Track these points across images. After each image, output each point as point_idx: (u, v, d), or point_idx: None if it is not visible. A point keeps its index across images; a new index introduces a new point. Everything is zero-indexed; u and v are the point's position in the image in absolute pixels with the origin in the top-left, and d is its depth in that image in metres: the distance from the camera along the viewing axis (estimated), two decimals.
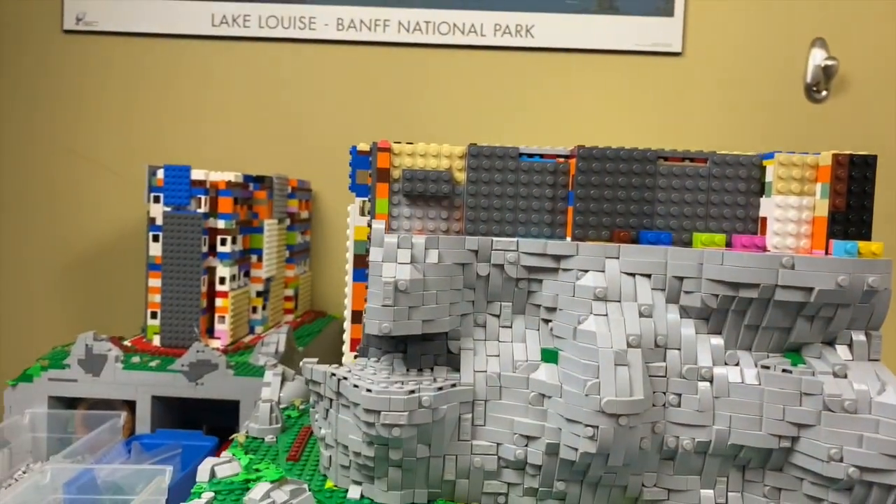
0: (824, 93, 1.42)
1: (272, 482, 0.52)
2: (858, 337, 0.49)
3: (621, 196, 0.54)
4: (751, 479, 0.50)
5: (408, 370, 0.53)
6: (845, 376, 0.47)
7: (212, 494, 0.53)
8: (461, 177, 0.56)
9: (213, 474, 0.57)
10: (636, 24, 1.42)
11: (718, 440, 0.49)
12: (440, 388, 0.50)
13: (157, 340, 1.08)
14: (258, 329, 1.19)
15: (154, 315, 1.09)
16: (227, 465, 0.57)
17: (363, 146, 0.58)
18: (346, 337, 0.62)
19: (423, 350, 0.54)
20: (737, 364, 0.50)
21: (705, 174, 0.53)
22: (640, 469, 0.50)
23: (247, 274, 1.19)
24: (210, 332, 1.11)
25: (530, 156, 0.56)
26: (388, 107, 1.42)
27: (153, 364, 0.97)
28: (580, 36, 1.43)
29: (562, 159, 0.55)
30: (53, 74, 1.41)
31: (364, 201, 0.59)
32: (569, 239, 0.54)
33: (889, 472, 0.44)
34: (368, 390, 0.49)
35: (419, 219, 0.56)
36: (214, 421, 1.01)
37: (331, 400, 0.54)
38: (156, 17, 1.43)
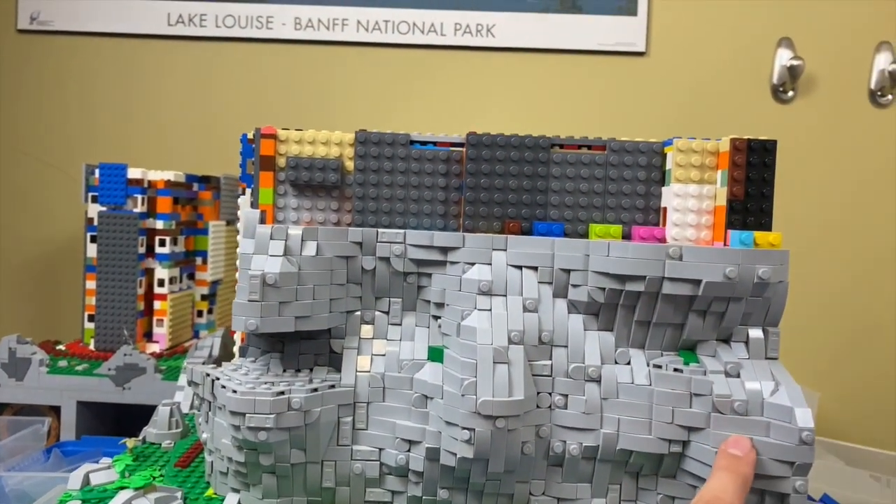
0: (791, 93, 1.39)
1: (136, 489, 0.49)
2: (755, 333, 0.45)
3: (513, 185, 0.50)
4: (644, 487, 0.47)
5: (284, 370, 0.50)
6: (738, 375, 0.44)
7: (78, 503, 0.50)
8: (352, 165, 0.53)
9: (86, 481, 0.53)
10: (599, 24, 1.40)
11: (606, 445, 0.45)
12: (314, 389, 0.47)
13: (93, 344, 1.05)
14: (203, 333, 1.15)
15: (91, 318, 1.06)
16: (102, 472, 0.54)
17: (252, 135, 0.55)
18: (237, 337, 0.59)
19: (302, 349, 0.51)
20: (627, 363, 0.46)
21: (602, 162, 0.50)
22: (526, 476, 0.47)
23: (191, 276, 1.16)
24: (148, 335, 1.07)
25: (423, 143, 0.53)
26: (351, 108, 1.39)
27: (80, 368, 0.94)
28: (542, 35, 1.41)
29: (456, 147, 0.52)
30: (6, 74, 1.39)
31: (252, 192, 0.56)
32: (461, 231, 0.51)
33: (781, 479, 0.41)
34: (234, 391, 0.46)
35: (307, 209, 0.53)
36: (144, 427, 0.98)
37: (209, 402, 0.51)
38: (111, 16, 1.41)
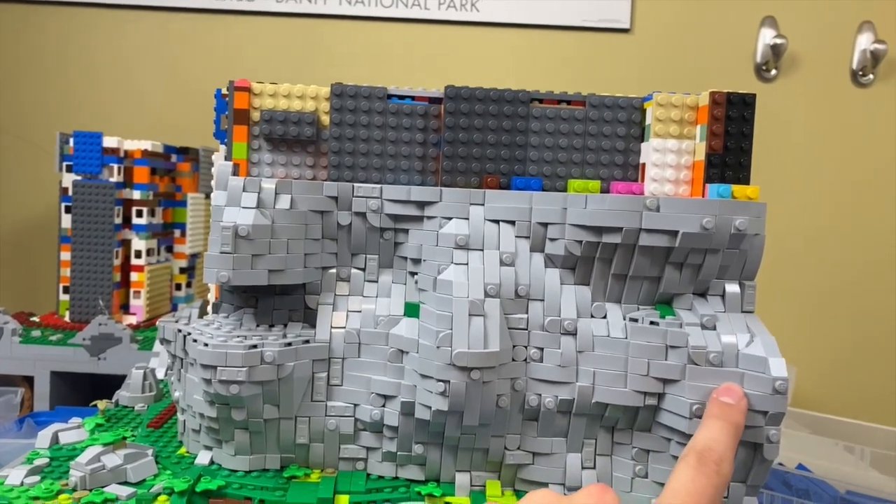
0: (774, 72, 1.40)
1: (105, 445, 0.48)
2: (731, 287, 0.45)
3: (491, 140, 0.50)
4: (619, 442, 0.46)
5: (258, 325, 0.49)
6: (714, 328, 0.44)
7: (46, 460, 0.49)
8: (328, 120, 0.52)
9: (55, 440, 0.52)
10: (584, 1, 1.39)
11: (581, 398, 0.45)
12: (288, 344, 0.46)
13: (68, 316, 1.03)
14: (181, 307, 1.14)
15: (66, 290, 1.04)
16: (72, 432, 0.53)
17: (227, 90, 0.54)
18: (211, 297, 0.58)
19: (276, 305, 0.50)
20: (604, 317, 0.46)
21: (582, 117, 0.50)
22: (501, 430, 0.46)
23: (169, 249, 1.14)
24: (125, 307, 1.06)
25: (400, 97, 0.52)
26: (330, 82, 1.37)
27: (53, 338, 0.92)
28: (526, 11, 1.39)
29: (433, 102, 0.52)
30: None
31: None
32: (438, 186, 0.51)
33: (755, 429, 0.41)
34: (206, 345, 0.45)
35: (282, 165, 0.52)
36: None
37: (181, 360, 0.50)
38: None
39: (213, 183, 0.57)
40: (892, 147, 1.36)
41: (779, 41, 1.36)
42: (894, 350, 1.34)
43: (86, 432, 0.54)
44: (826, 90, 1.38)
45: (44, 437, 0.52)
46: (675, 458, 0.44)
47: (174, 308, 1.15)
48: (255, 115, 0.52)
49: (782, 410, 0.40)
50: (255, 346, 0.45)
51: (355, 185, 0.50)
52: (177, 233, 1.15)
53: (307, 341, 0.48)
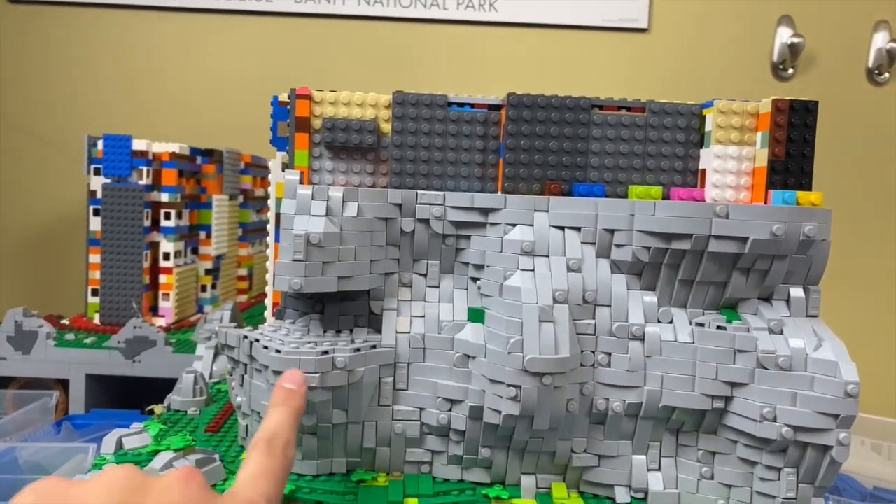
0: (791, 70, 1.40)
1: (176, 451, 0.48)
2: (796, 292, 0.46)
3: (553, 147, 0.50)
4: (684, 444, 0.47)
5: (325, 331, 0.50)
6: (781, 332, 0.44)
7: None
8: (387, 127, 0.53)
9: (119, 445, 0.53)
10: (602, 0, 1.39)
11: (650, 402, 0.46)
12: (357, 349, 0.47)
13: (97, 318, 1.03)
14: (208, 308, 1.14)
15: (95, 292, 1.05)
16: (135, 437, 0.54)
17: (284, 96, 0.55)
18: (268, 301, 0.58)
19: (342, 311, 0.50)
20: (670, 321, 0.47)
21: (642, 124, 0.50)
22: (568, 434, 0.47)
23: (195, 251, 1.15)
24: (154, 309, 1.06)
25: (460, 105, 0.52)
26: (350, 83, 1.38)
27: (88, 341, 0.93)
28: (545, 11, 1.40)
29: (493, 109, 0.52)
30: (2, 46, 1.36)
31: (286, 155, 0.56)
32: (500, 193, 0.51)
33: (824, 432, 0.42)
34: (278, 351, 0.46)
35: (342, 172, 0.53)
36: (155, 401, 0.97)
37: (245, 365, 0.51)
38: None
39: (269, 190, 0.58)
40: None
41: (796, 40, 1.37)
42: None
43: (149, 437, 0.54)
44: (842, 88, 1.39)
45: (108, 443, 0.52)
46: (742, 459, 0.45)
47: (200, 309, 1.15)
48: (317, 123, 0.52)
49: (853, 414, 0.41)
50: (326, 352, 0.46)
51: (419, 192, 0.50)
52: (202, 234, 1.15)
53: (374, 346, 0.48)
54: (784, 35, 1.39)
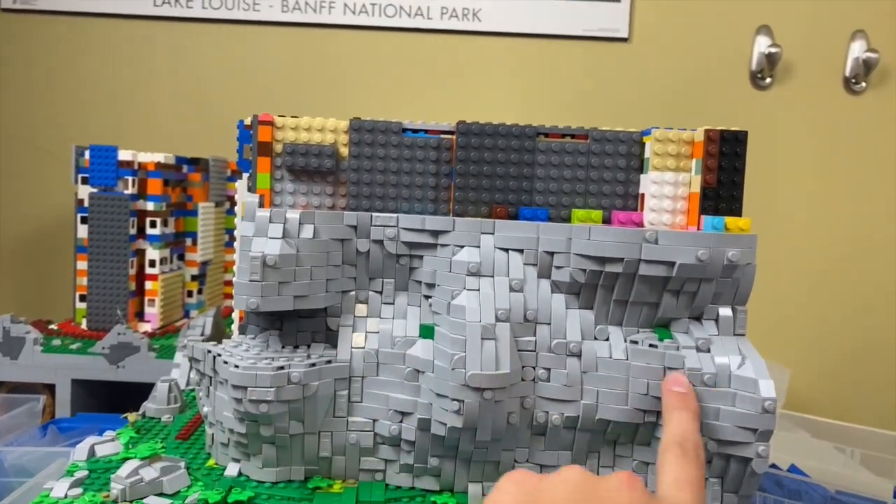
0: (768, 80, 1.43)
1: (142, 459, 0.51)
2: (724, 312, 0.49)
3: (500, 172, 0.53)
4: (621, 455, 0.50)
5: (283, 347, 0.53)
6: (708, 350, 0.47)
7: (85, 473, 0.53)
8: (346, 152, 0.55)
9: (92, 453, 0.56)
10: (584, 9, 1.42)
11: (586, 415, 0.49)
12: (312, 364, 0.50)
13: (85, 324, 1.06)
14: (194, 314, 1.17)
15: (83, 298, 1.08)
16: (108, 444, 0.57)
17: (249, 120, 0.57)
18: (235, 316, 0.61)
19: (300, 327, 0.53)
20: (606, 339, 0.50)
21: (585, 151, 0.53)
22: (511, 444, 0.50)
23: (181, 257, 1.17)
24: (140, 315, 1.09)
25: (414, 131, 0.55)
26: (336, 91, 1.41)
27: (74, 347, 0.96)
28: (527, 20, 1.42)
29: (446, 135, 0.55)
30: None
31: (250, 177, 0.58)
32: (451, 215, 0.54)
33: (745, 445, 0.45)
34: (236, 366, 0.49)
35: (303, 194, 0.56)
36: (139, 405, 1.00)
37: (210, 378, 0.54)
38: None
39: (236, 209, 0.61)
40: (885, 153, 1.40)
41: (773, 50, 1.39)
42: (885, 354, 1.38)
43: (120, 445, 0.57)
44: (820, 98, 1.41)
45: (81, 450, 0.55)
46: None
47: (186, 315, 1.18)
48: (278, 148, 0.55)
49: (771, 428, 0.44)
50: (282, 368, 0.49)
51: (373, 214, 0.53)
52: (188, 241, 1.18)
53: (329, 361, 0.51)
54: (762, 44, 1.41)
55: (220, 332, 1.05)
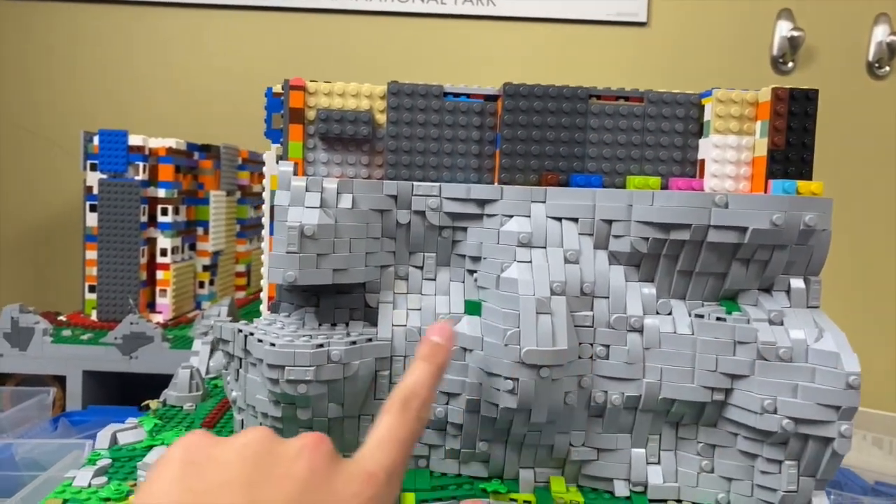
0: (790, 64, 1.40)
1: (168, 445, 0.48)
2: (797, 283, 0.45)
3: (550, 137, 0.50)
4: (684, 437, 0.47)
5: (320, 325, 0.49)
6: (781, 323, 0.44)
7: (108, 461, 0.49)
8: (382, 118, 0.52)
9: (114, 441, 0.53)
10: None
11: (649, 394, 0.45)
12: (353, 343, 0.47)
13: (95, 315, 1.03)
14: (206, 304, 1.14)
15: (92, 289, 1.04)
16: (130, 432, 0.53)
17: (279, 88, 0.54)
18: (264, 295, 0.58)
19: (337, 304, 0.50)
20: (669, 313, 0.46)
21: (640, 114, 0.50)
22: (566, 427, 0.47)
23: (192, 247, 1.14)
24: (151, 306, 1.06)
25: (456, 95, 0.52)
26: (348, 78, 1.37)
27: (85, 337, 0.92)
28: (543, 5, 1.39)
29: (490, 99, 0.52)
30: None
31: (280, 147, 0.55)
32: (496, 184, 0.51)
33: (825, 424, 0.41)
34: (272, 344, 0.45)
35: (337, 164, 0.52)
36: (152, 398, 0.96)
37: (240, 360, 0.50)
38: None
39: (265, 182, 0.57)
40: None
41: (796, 34, 1.36)
42: None
43: (144, 432, 0.54)
44: (842, 82, 1.38)
45: (103, 438, 0.52)
46: (743, 452, 0.45)
47: (198, 306, 1.15)
48: (311, 115, 0.52)
49: (855, 405, 0.41)
50: (321, 346, 0.45)
51: (414, 183, 0.50)
52: (199, 230, 1.15)
53: (370, 339, 0.48)
54: (784, 28, 1.38)
55: (234, 322, 1.02)
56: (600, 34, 1.39)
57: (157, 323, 1.01)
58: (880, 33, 1.38)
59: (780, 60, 1.39)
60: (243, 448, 0.29)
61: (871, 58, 1.39)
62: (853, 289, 1.35)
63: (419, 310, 0.50)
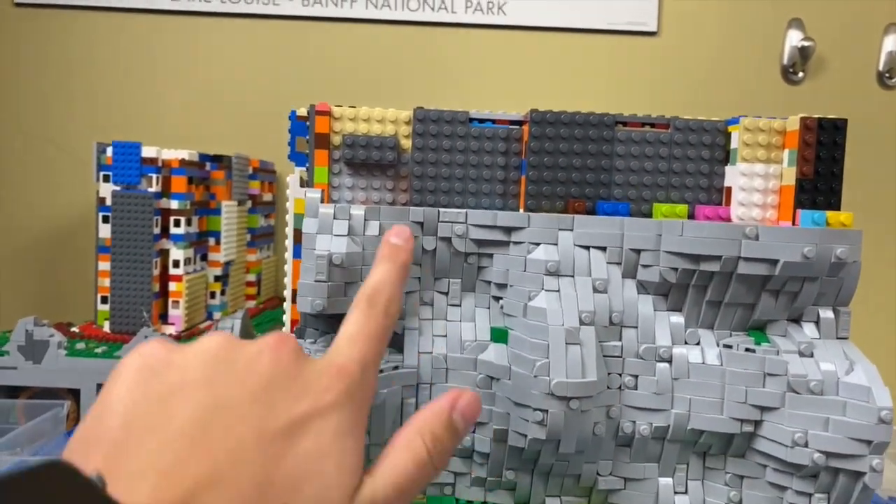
0: (801, 74, 1.39)
1: None
2: (826, 314, 0.45)
3: (577, 164, 0.50)
4: (712, 467, 0.47)
5: None
6: (811, 355, 0.44)
7: None
8: (408, 143, 0.52)
9: None
10: (611, 2, 1.39)
11: (677, 425, 0.45)
12: (380, 371, 0.46)
13: (107, 326, 1.03)
14: (217, 315, 1.14)
15: (104, 300, 1.04)
16: None
17: (303, 111, 0.54)
18: (287, 318, 0.58)
19: None
20: (697, 343, 0.46)
21: (667, 141, 0.50)
22: (594, 457, 0.47)
23: (204, 258, 1.14)
24: (164, 317, 1.06)
25: (481, 121, 0.52)
26: (359, 87, 1.37)
27: (99, 350, 0.92)
28: (553, 14, 1.39)
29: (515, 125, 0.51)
30: (6, 49, 1.35)
31: (304, 171, 0.55)
32: (521, 210, 0.51)
33: (857, 458, 0.41)
34: None
35: (362, 189, 0.52)
36: None
37: None
38: None
39: (288, 206, 0.57)
40: None
41: (806, 43, 1.36)
42: None
43: None
44: (853, 92, 1.38)
45: None
46: (772, 484, 0.45)
47: (209, 316, 1.15)
48: (336, 140, 0.52)
49: (887, 440, 0.41)
50: None
51: (440, 209, 0.49)
52: (211, 241, 1.14)
53: (397, 367, 0.48)
54: (794, 38, 1.38)
55: (248, 335, 1.01)
56: (610, 43, 1.39)
57: (170, 335, 1.01)
58: (891, 43, 1.38)
59: (791, 70, 1.39)
60: (203, 352, 0.28)
61: (881, 67, 1.39)
62: (872, 314, 1.35)
63: (445, 336, 0.50)
